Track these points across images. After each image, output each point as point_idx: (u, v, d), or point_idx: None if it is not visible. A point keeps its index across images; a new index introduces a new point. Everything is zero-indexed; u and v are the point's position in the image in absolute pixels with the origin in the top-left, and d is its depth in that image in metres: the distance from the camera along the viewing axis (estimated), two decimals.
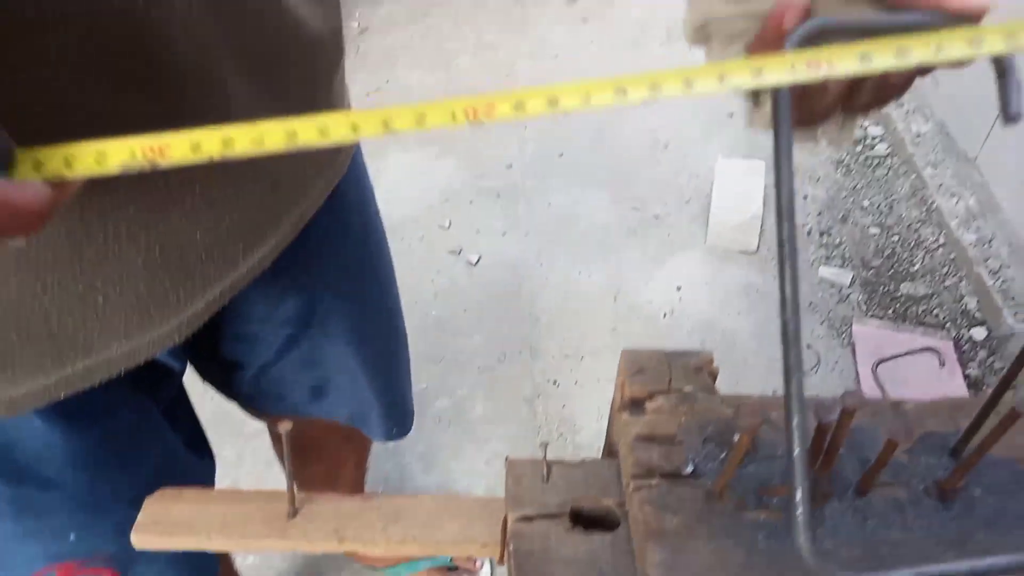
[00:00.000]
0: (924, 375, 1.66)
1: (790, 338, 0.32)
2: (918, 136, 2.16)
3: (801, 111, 0.41)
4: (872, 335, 1.75)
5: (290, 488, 0.51)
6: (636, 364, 0.48)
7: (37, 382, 0.51)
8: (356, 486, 1.24)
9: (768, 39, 0.38)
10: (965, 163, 2.01)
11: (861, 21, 0.37)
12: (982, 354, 1.73)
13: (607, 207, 2.06)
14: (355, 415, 0.90)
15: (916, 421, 0.46)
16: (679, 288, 1.87)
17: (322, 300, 0.75)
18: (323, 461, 1.09)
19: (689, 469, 0.44)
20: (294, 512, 0.52)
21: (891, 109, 2.25)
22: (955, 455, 0.44)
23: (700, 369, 0.48)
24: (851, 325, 1.78)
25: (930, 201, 2.02)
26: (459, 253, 1.93)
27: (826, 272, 1.90)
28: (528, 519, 0.46)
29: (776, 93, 0.36)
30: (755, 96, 0.43)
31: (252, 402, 0.86)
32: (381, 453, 1.55)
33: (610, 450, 0.53)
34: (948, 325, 1.78)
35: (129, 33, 0.40)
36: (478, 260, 1.91)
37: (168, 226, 0.50)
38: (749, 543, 0.41)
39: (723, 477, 0.42)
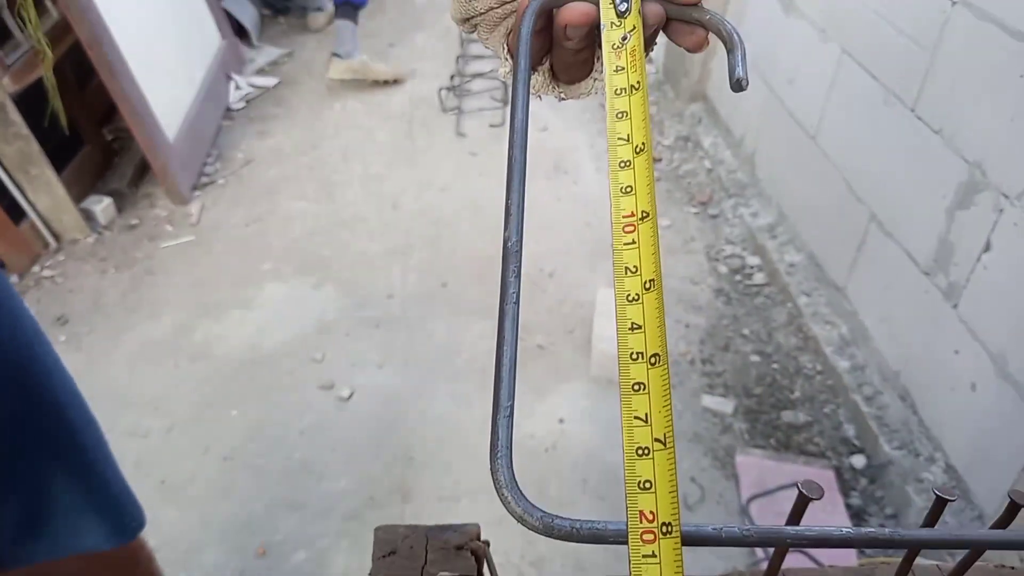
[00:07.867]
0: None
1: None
2: (791, 266, 2.23)
3: (558, 61, 0.45)
4: (755, 465, 1.72)
5: None
6: (388, 544, 0.41)
7: None
8: None
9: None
10: (836, 292, 2.07)
11: None
12: (863, 482, 1.71)
13: (490, 337, 2.01)
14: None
15: None
16: (561, 421, 1.80)
17: None
18: None
19: None
20: None
21: (765, 240, 2.33)
22: None
23: (462, 547, 0.41)
24: (735, 456, 1.74)
25: (806, 329, 2.06)
26: (331, 388, 1.83)
27: (709, 401, 1.88)
28: None
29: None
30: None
31: None
32: None
33: None
34: (829, 453, 1.77)
35: None
36: (350, 395, 1.81)
37: None
38: None
39: None
